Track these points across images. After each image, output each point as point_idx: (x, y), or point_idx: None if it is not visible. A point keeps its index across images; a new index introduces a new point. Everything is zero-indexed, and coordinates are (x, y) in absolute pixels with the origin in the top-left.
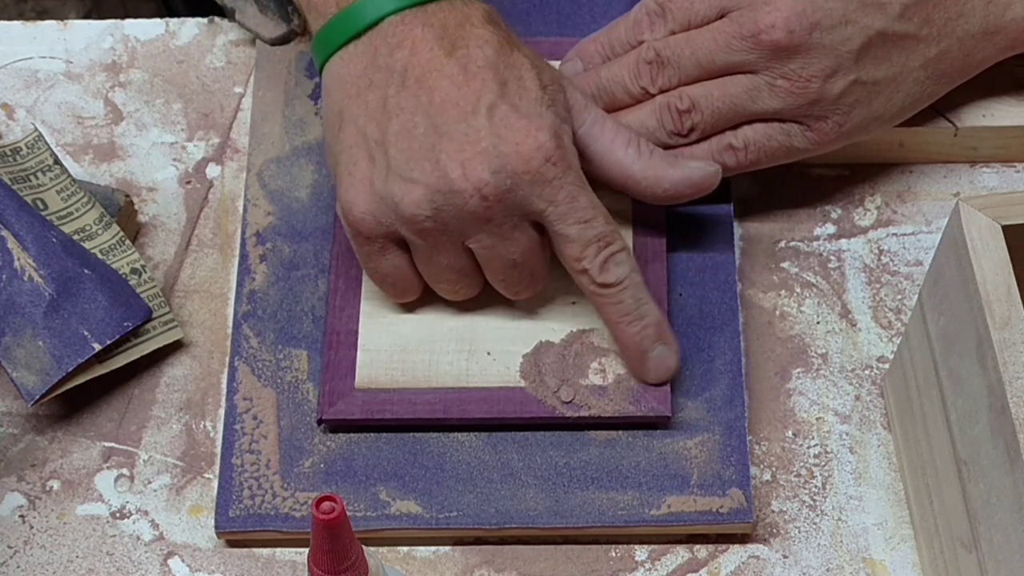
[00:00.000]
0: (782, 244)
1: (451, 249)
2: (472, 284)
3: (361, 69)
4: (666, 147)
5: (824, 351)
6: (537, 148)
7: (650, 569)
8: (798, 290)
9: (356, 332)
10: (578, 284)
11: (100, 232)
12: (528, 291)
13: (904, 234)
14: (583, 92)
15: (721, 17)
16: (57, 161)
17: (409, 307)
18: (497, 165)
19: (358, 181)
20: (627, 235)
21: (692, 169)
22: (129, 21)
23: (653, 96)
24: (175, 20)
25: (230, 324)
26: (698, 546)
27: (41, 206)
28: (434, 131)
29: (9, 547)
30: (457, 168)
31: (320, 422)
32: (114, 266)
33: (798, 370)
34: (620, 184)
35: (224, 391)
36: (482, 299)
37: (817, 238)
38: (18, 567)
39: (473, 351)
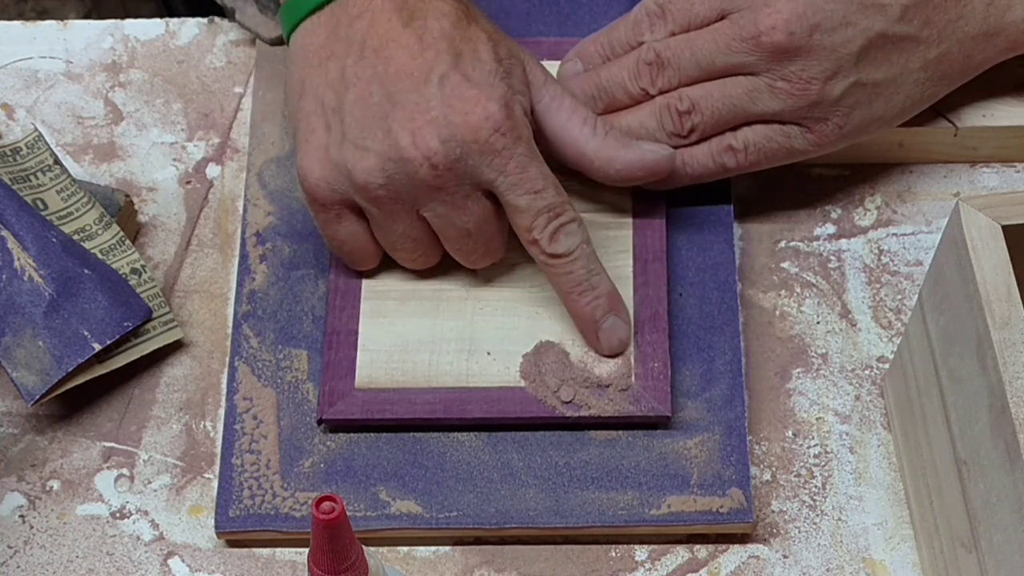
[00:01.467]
0: (782, 244)
1: (405, 217)
2: (430, 253)
3: (323, 39)
4: None
5: (824, 351)
6: (486, 118)
7: (650, 569)
8: (798, 290)
9: (356, 332)
10: (530, 255)
11: (100, 232)
12: (485, 260)
13: (904, 234)
14: (578, 89)
15: (721, 19)
16: (57, 161)
17: (409, 307)
18: (446, 134)
19: (314, 148)
20: (627, 235)
21: (645, 151)
22: (129, 21)
23: (653, 97)
24: (175, 20)
25: (230, 324)
26: (698, 546)
27: (41, 206)
28: (388, 100)
29: (9, 547)
30: (407, 136)
31: (320, 422)
32: (114, 266)
33: (798, 370)
34: (574, 162)
35: (224, 391)
36: (482, 299)
37: (817, 238)
38: (18, 567)
39: (473, 351)
